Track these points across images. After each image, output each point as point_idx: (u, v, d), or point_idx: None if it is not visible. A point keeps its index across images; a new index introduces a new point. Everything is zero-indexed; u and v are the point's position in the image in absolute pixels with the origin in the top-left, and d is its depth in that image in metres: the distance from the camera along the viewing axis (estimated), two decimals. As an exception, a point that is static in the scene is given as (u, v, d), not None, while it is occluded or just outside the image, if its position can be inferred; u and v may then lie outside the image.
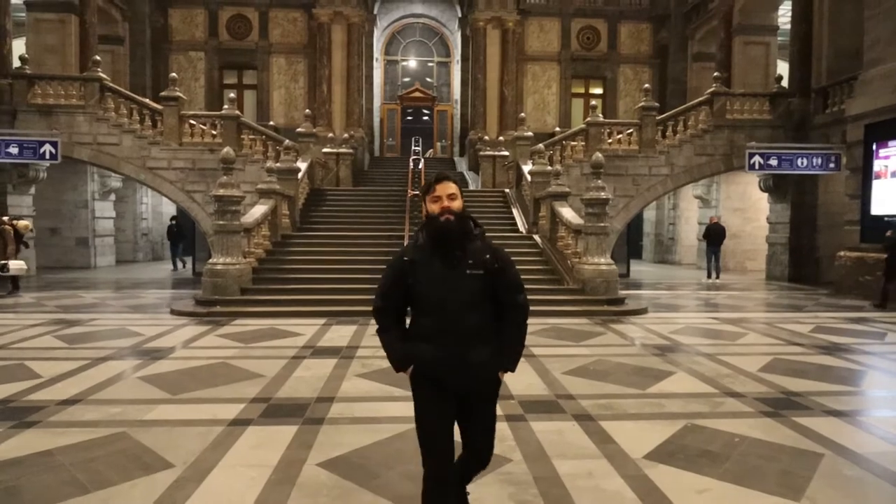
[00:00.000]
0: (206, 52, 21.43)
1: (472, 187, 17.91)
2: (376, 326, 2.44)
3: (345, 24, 20.21)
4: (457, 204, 2.30)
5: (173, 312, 9.30)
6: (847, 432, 4.11)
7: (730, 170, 15.39)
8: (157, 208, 20.48)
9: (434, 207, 2.30)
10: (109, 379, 5.40)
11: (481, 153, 18.29)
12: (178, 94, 14.59)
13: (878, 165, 11.78)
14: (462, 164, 21.41)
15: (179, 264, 17.31)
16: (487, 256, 2.31)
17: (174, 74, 15.72)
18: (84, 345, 6.99)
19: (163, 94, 14.85)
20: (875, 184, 11.82)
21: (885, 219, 11.45)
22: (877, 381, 5.82)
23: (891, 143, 11.45)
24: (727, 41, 18.43)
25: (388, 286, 2.37)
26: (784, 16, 18.06)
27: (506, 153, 17.54)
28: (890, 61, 11.39)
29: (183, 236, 17.60)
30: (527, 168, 14.18)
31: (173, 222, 18.10)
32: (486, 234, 2.44)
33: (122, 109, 14.46)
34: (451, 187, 2.32)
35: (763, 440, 3.90)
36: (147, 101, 15.22)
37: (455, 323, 2.25)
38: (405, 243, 12.19)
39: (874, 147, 11.84)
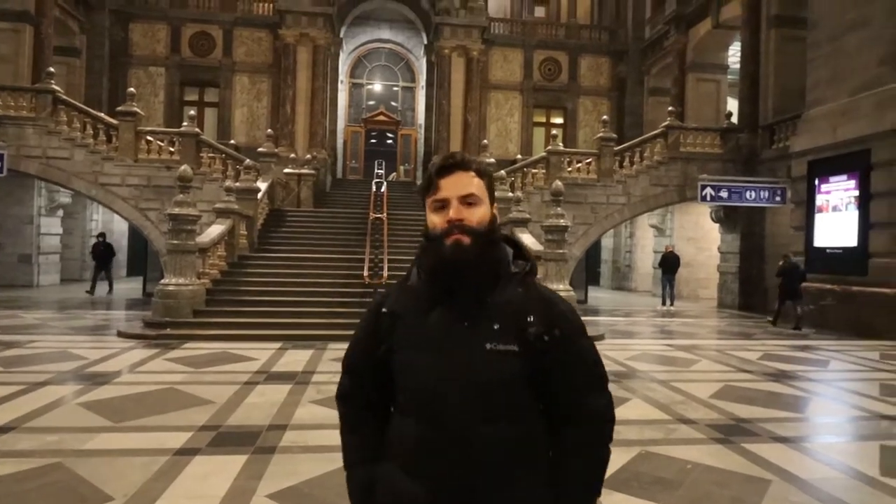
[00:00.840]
0: (167, 67, 21.07)
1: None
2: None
3: (311, 45, 20.24)
4: (479, 214, 1.23)
5: (120, 335, 8.92)
6: (794, 458, 4.22)
7: (683, 200, 15.94)
8: (108, 225, 19.78)
9: (437, 220, 1.24)
10: (47, 405, 5.11)
11: (444, 178, 18.36)
12: (135, 109, 14.24)
13: (820, 200, 12.40)
14: (425, 188, 21.45)
15: (105, 287, 15.73)
16: (531, 319, 1.21)
17: (132, 89, 15.37)
18: (21, 368, 6.61)
19: (119, 108, 14.48)
20: (817, 217, 12.44)
21: (827, 250, 12.03)
22: (821, 408, 6.03)
23: (831, 178, 12.10)
24: (681, 77, 19.29)
25: (356, 354, 1.38)
26: (734, 55, 19.03)
27: (468, 178, 17.67)
28: (830, 102, 12.10)
29: (110, 255, 16.28)
30: (489, 194, 14.33)
31: (100, 239, 16.43)
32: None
33: (75, 123, 14.01)
34: (469, 181, 1.24)
35: (714, 467, 3.96)
36: (102, 115, 14.79)
37: (460, 439, 1.18)
38: (365, 266, 11.58)
39: (816, 182, 12.49)
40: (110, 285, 16.12)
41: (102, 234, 16.91)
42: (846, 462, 4.22)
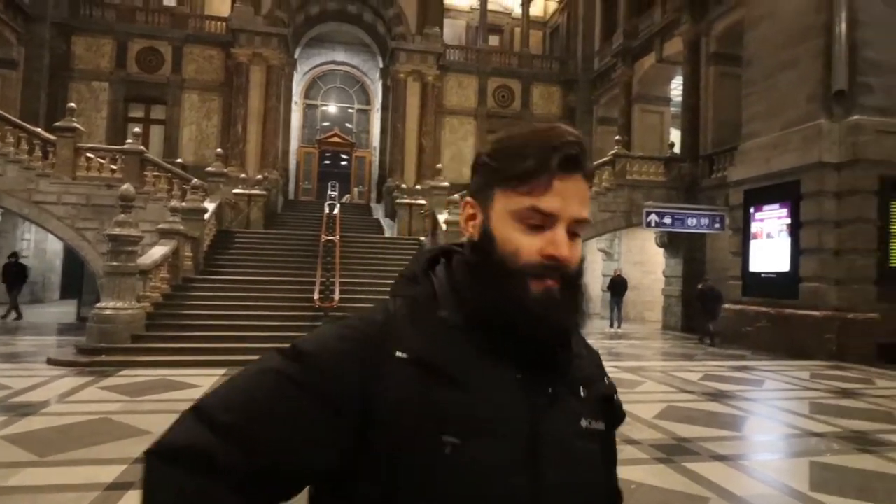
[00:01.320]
0: (111, 82, 20.42)
1: (387, 234, 17.94)
2: None
3: (264, 65, 20.08)
4: (579, 251, 0.77)
5: (50, 362, 8.41)
6: (731, 476, 4.36)
7: (630, 226, 16.48)
8: (40, 245, 18.78)
9: (524, 241, 0.74)
10: (-37, 439, 4.75)
11: (398, 201, 18.48)
12: (74, 124, 13.69)
13: (754, 227, 13.07)
14: (379, 211, 21.47)
15: (12, 313, 13.95)
16: (607, 380, 0.86)
17: (73, 104, 14.79)
18: (-64, 399, 6.13)
19: (58, 123, 13.88)
20: (753, 243, 13.08)
21: (762, 275, 12.64)
22: (757, 426, 6.27)
23: (765, 207, 12.78)
24: (627, 108, 20.11)
25: (288, 423, 0.66)
26: (676, 88, 20.02)
27: (423, 202, 17.82)
28: (764, 135, 12.85)
29: (22, 278, 14.65)
30: (442, 217, 14.45)
31: (12, 259, 14.71)
32: None
33: (8, 137, 13.34)
34: (587, 194, 0.77)
35: (657, 486, 4.05)
36: (39, 130, 14.15)
37: None
38: (316, 289, 11.22)
39: (752, 210, 13.17)
40: (17, 311, 14.11)
41: (14, 254, 15.13)
42: (779, 479, 4.39)
